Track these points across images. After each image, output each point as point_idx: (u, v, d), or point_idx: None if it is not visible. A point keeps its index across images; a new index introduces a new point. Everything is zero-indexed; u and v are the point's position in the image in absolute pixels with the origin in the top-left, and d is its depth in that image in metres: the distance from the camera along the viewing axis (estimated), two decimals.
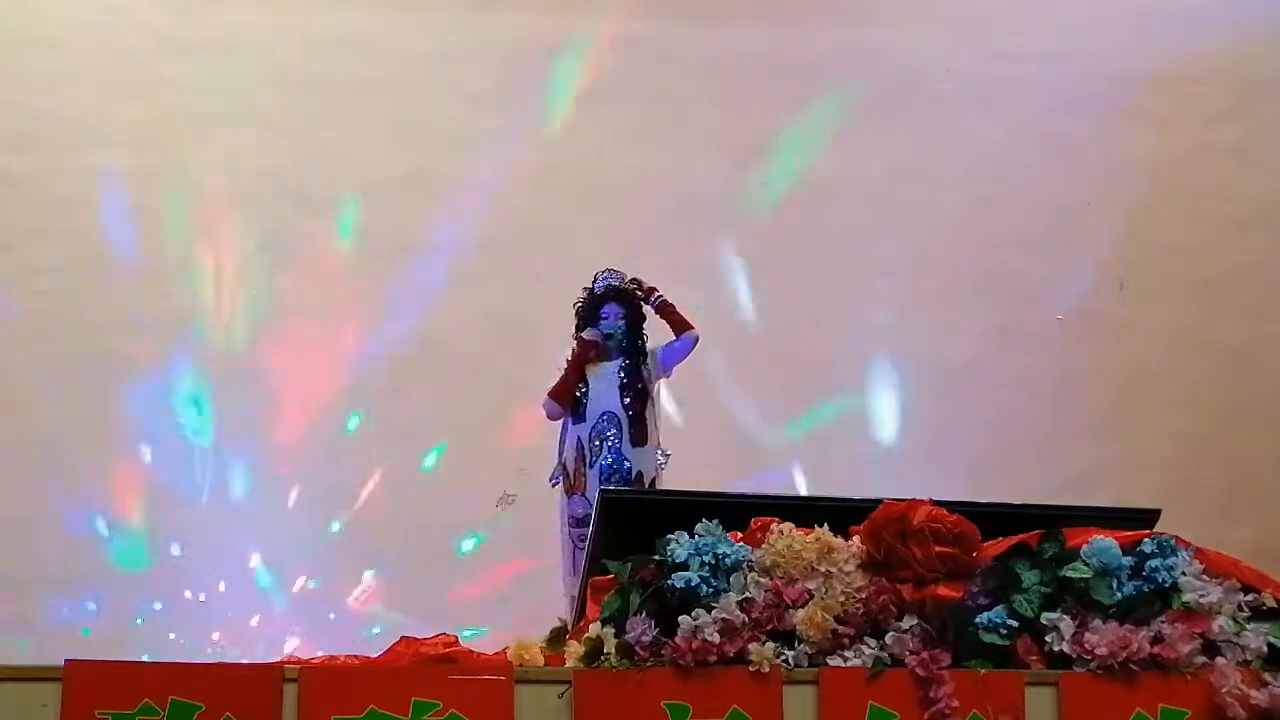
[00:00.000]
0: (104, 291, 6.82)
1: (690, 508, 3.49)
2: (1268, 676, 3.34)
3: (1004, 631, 3.34)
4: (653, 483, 5.34)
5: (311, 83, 7.10)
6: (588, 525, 4.91)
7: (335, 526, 6.80)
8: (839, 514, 3.50)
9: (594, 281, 5.53)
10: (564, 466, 5.41)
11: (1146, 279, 7.29)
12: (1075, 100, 7.39)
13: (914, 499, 3.45)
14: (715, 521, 3.39)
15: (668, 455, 5.41)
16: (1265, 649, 3.38)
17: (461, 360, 6.90)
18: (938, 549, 3.35)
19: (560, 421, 5.45)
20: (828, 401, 7.16)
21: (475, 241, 7.05)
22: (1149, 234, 7.32)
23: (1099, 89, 7.41)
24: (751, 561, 3.37)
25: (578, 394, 5.39)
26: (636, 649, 3.22)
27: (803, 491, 6.82)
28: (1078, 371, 7.21)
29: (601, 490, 4.44)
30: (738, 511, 3.49)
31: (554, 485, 5.43)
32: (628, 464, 5.31)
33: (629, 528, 3.50)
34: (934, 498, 3.47)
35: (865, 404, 7.17)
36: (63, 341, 6.73)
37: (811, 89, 7.32)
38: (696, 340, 5.48)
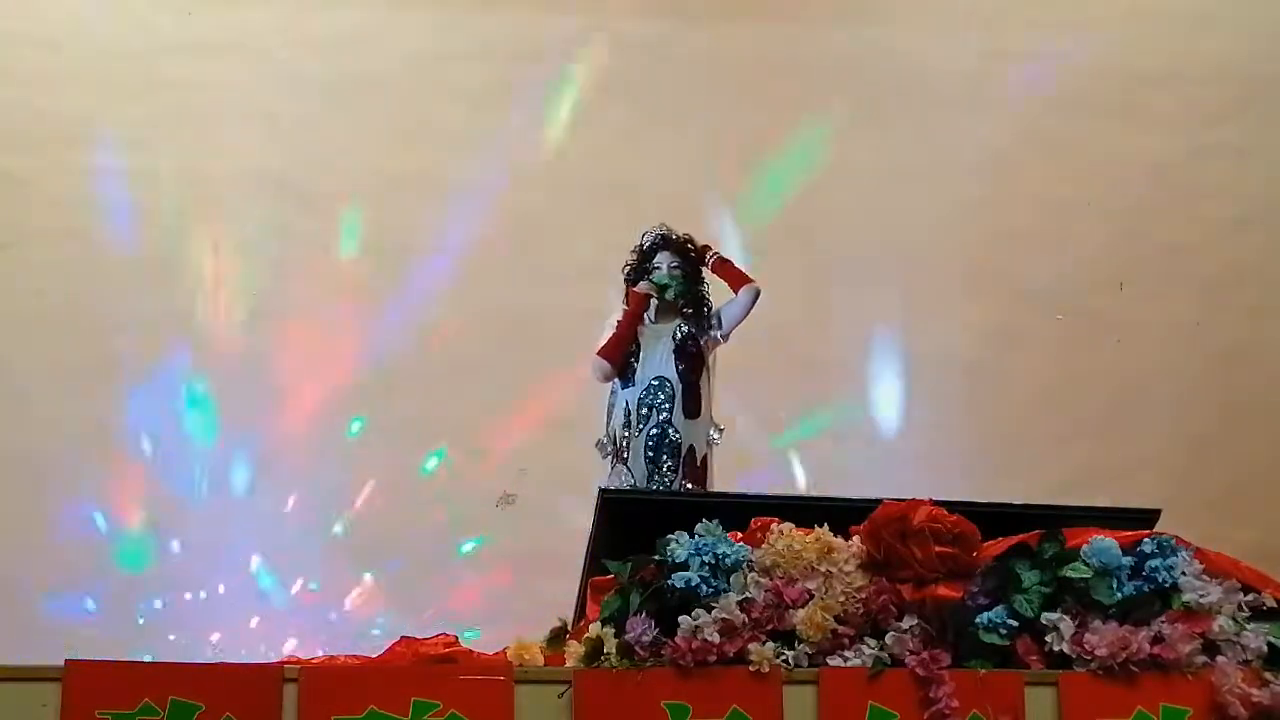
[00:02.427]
0: (104, 291, 6.82)
1: (690, 508, 3.49)
2: (1269, 675, 3.34)
3: (1004, 631, 3.35)
4: (704, 460, 4.92)
5: (311, 83, 7.10)
6: None
7: (336, 528, 6.80)
8: (839, 514, 3.50)
9: (641, 238, 5.13)
10: (610, 436, 4.98)
11: (1146, 279, 7.28)
12: (1075, 100, 7.38)
13: (914, 499, 3.45)
14: (715, 521, 3.39)
15: (721, 431, 5.01)
16: (1265, 649, 3.39)
17: (461, 361, 6.90)
18: (938, 549, 3.36)
19: (609, 386, 5.01)
20: (827, 401, 7.16)
21: (475, 242, 7.04)
22: (1149, 234, 7.31)
23: (1099, 89, 7.40)
24: (751, 561, 3.37)
25: (629, 357, 4.94)
26: (636, 649, 3.23)
27: (803, 492, 6.81)
28: (1078, 371, 7.21)
29: (601, 490, 4.40)
30: (738, 511, 3.50)
31: (605, 458, 4.98)
32: (677, 436, 4.87)
33: (629, 528, 3.51)
34: (934, 498, 3.47)
35: (865, 404, 7.17)
36: (63, 341, 6.73)
37: (811, 89, 7.32)
38: (758, 294, 5.02)
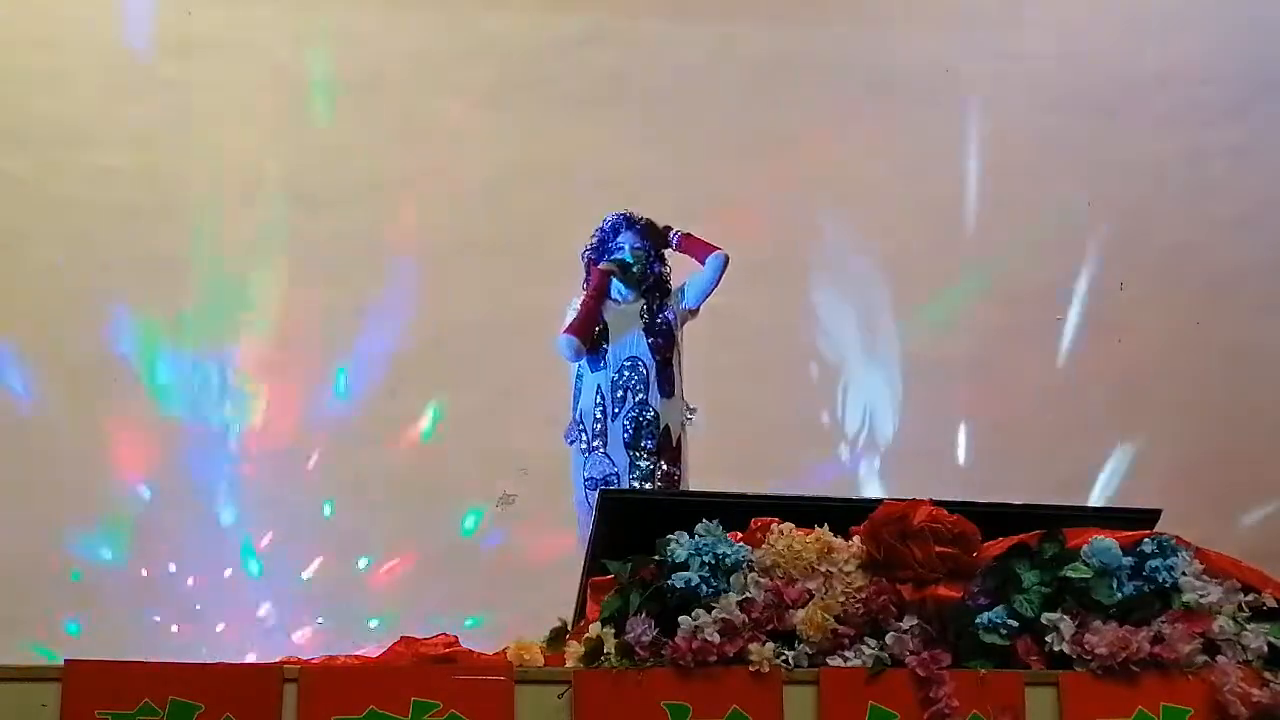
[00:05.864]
0: (104, 292, 6.81)
1: (690, 508, 3.49)
2: (1269, 675, 3.34)
3: (1004, 631, 3.34)
4: (679, 441, 4.94)
5: (311, 83, 7.10)
6: (609, 486, 4.76)
7: (331, 518, 6.80)
8: (839, 514, 3.50)
9: (603, 221, 5.17)
10: (580, 421, 4.98)
11: (1146, 279, 7.28)
12: (1075, 100, 7.38)
13: (914, 499, 3.45)
14: (715, 521, 3.39)
15: (694, 410, 5.01)
16: (1265, 649, 3.39)
17: (461, 359, 6.89)
18: (938, 549, 3.36)
19: (575, 369, 5.02)
20: (827, 401, 7.15)
21: (475, 241, 7.04)
22: (1149, 234, 7.32)
23: (1099, 89, 7.41)
24: (751, 561, 3.37)
25: (598, 339, 4.95)
26: (636, 649, 3.22)
27: (804, 493, 6.80)
28: (1078, 371, 7.21)
29: (601, 490, 4.39)
30: (738, 511, 3.50)
31: (571, 444, 4.98)
32: (655, 415, 4.89)
33: (629, 528, 3.50)
34: (934, 498, 3.47)
35: (865, 404, 7.17)
36: (63, 342, 6.73)
37: (811, 89, 7.32)
38: (726, 260, 5.03)
